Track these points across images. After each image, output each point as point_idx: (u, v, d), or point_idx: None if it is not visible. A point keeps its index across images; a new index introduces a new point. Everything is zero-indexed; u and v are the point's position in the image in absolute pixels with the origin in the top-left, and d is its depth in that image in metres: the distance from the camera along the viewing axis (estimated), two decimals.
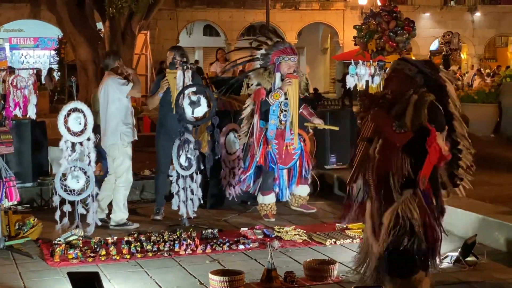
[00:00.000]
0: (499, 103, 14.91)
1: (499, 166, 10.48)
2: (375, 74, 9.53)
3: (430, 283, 5.19)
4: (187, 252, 6.61)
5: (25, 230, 6.97)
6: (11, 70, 7.37)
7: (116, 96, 7.64)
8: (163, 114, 8.11)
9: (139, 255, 6.50)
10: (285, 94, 7.92)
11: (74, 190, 7.05)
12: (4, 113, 7.15)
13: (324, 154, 9.84)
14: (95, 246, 6.68)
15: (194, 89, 7.54)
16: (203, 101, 7.51)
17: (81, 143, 7.08)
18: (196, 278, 5.88)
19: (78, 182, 7.05)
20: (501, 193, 8.54)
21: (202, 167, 7.72)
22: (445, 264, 6.13)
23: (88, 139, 7.10)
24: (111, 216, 7.75)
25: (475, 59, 37.53)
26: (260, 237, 7.14)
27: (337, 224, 7.63)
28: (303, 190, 8.29)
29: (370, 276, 5.27)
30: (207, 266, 6.13)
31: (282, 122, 7.96)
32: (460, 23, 36.37)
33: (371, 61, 10.02)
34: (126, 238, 6.92)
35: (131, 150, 7.83)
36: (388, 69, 5.49)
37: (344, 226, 7.45)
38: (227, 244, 6.80)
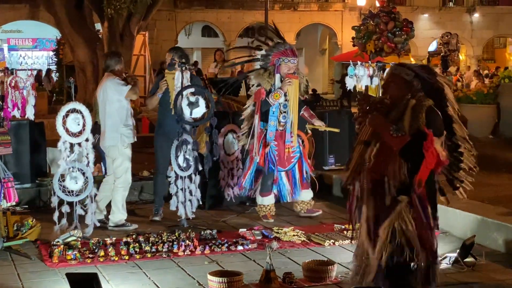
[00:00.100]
0: (497, 104, 14.93)
1: (498, 167, 10.49)
2: (374, 75, 9.54)
3: None
4: (185, 253, 6.61)
5: (24, 231, 6.97)
6: (10, 71, 7.37)
7: (115, 97, 7.64)
8: (161, 114, 8.12)
9: (137, 256, 6.49)
10: (285, 94, 7.92)
11: (72, 191, 7.05)
12: (2, 114, 7.15)
13: (322, 155, 9.84)
14: (94, 247, 6.67)
15: (192, 90, 7.54)
16: (202, 102, 7.52)
17: (79, 144, 7.07)
18: (194, 279, 5.88)
19: (77, 183, 7.05)
20: (499, 193, 8.54)
21: (201, 168, 7.72)
22: (444, 265, 6.13)
23: (87, 140, 7.09)
24: (109, 217, 7.75)
25: (473, 60, 37.56)
26: (259, 238, 7.13)
27: (335, 225, 7.64)
28: (306, 195, 8.26)
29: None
30: (205, 267, 6.13)
31: (281, 123, 7.96)
32: (459, 24, 36.42)
33: (369, 62, 10.02)
34: (124, 239, 6.92)
35: (131, 151, 7.83)
36: (385, 75, 5.49)
37: (343, 227, 7.46)
38: (226, 245, 6.80)
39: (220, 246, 6.78)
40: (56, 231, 6.99)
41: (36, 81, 24.70)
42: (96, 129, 7.90)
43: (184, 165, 7.60)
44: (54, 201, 7.02)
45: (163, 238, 6.95)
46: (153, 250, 6.64)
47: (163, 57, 9.45)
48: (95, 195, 7.33)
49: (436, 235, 5.17)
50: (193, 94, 7.52)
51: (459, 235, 7.02)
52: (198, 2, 33.52)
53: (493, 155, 11.53)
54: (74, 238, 6.84)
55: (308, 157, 8.32)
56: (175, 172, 7.64)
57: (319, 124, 8.39)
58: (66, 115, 7.03)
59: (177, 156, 7.59)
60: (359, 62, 9.89)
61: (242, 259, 6.52)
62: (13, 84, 7.44)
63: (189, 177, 7.65)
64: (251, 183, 8.12)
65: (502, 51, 41.14)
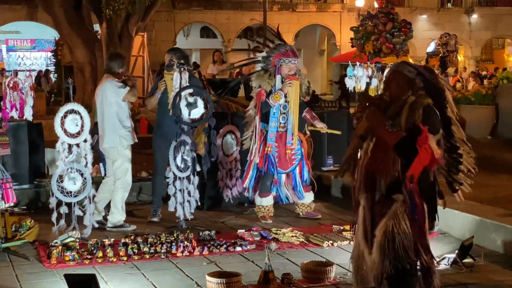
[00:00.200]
0: (496, 105, 14.93)
1: (496, 167, 10.49)
2: (373, 76, 9.54)
3: None
4: (184, 254, 6.60)
5: (22, 232, 6.96)
6: (15, 72, 7.38)
7: (114, 99, 7.63)
8: (160, 115, 8.12)
9: (136, 257, 6.48)
10: (286, 96, 7.91)
11: (71, 192, 7.04)
12: (0, 114, 7.14)
13: (321, 156, 9.84)
14: (92, 248, 6.66)
15: (191, 90, 7.54)
16: (200, 103, 7.52)
17: (77, 145, 7.07)
18: (193, 280, 5.88)
19: (75, 184, 7.04)
20: (498, 194, 8.55)
21: (199, 169, 7.72)
22: (442, 265, 6.13)
23: (85, 140, 7.09)
24: (108, 217, 7.74)
25: (471, 61, 37.58)
26: (257, 239, 7.13)
27: (334, 226, 7.64)
28: (307, 198, 8.26)
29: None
30: (204, 268, 6.13)
31: (282, 124, 7.96)
32: (457, 25, 36.44)
33: (368, 62, 10.02)
34: (123, 240, 6.91)
35: (131, 153, 7.82)
36: (387, 72, 5.46)
37: (342, 228, 7.46)
38: (224, 246, 6.80)
39: (218, 247, 6.78)
40: (54, 232, 6.98)
41: (36, 82, 24.78)
42: (95, 130, 7.90)
43: (183, 166, 7.59)
44: (53, 202, 7.01)
45: (162, 239, 6.95)
46: (152, 251, 6.63)
47: (161, 58, 9.47)
48: (94, 196, 7.33)
49: (435, 236, 5.15)
50: (191, 95, 7.52)
51: (458, 236, 7.02)
52: (197, 3, 33.52)
53: (491, 156, 11.53)
54: (72, 239, 6.83)
55: (307, 158, 8.32)
56: (173, 173, 7.64)
57: (321, 126, 8.39)
58: (65, 116, 7.03)
59: (175, 157, 7.59)
60: (358, 63, 9.89)
61: (241, 260, 6.51)
62: (11, 85, 7.44)
63: (188, 178, 7.64)
64: (253, 185, 8.11)
65: (500, 52, 41.18)
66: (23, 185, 8.85)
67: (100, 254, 6.47)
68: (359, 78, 9.62)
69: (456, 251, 6.27)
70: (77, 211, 7.09)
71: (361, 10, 31.49)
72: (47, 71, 28.57)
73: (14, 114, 7.71)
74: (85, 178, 7.08)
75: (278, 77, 7.92)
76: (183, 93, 7.48)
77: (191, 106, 7.48)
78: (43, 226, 7.22)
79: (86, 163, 7.10)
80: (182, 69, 7.61)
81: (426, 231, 4.99)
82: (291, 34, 34.33)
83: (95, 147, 7.71)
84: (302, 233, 7.30)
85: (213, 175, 8.60)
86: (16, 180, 8.24)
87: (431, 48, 36.69)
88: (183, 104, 7.47)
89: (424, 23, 36.32)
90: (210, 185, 8.70)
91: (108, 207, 7.82)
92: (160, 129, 8.08)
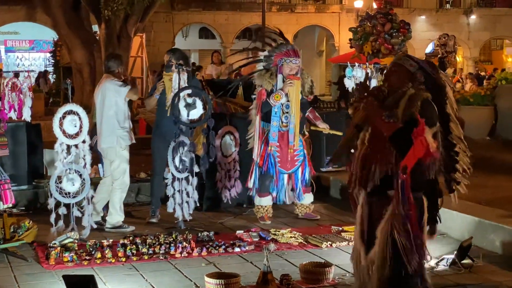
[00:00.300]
0: (494, 105, 14.93)
1: (495, 168, 10.49)
2: (372, 77, 9.54)
3: None
4: (182, 255, 6.60)
5: (20, 233, 6.95)
6: (16, 73, 7.37)
7: (113, 99, 7.63)
8: (159, 115, 8.13)
9: (134, 258, 6.48)
10: (287, 95, 7.91)
11: (69, 193, 7.04)
12: None
13: (320, 156, 9.83)
14: (91, 249, 6.66)
15: (189, 91, 7.54)
16: (199, 104, 7.52)
17: (76, 146, 7.06)
18: (192, 281, 5.87)
19: (74, 185, 7.04)
20: (496, 195, 8.55)
21: (197, 170, 7.71)
22: (441, 266, 6.13)
23: (84, 141, 7.08)
24: (107, 218, 7.74)
25: (470, 61, 37.59)
26: (256, 239, 7.13)
27: (333, 227, 7.63)
28: (307, 199, 8.26)
29: None
30: (203, 269, 6.12)
31: (284, 124, 7.95)
32: (456, 25, 36.44)
33: (367, 63, 10.02)
34: (121, 241, 6.90)
35: (128, 153, 7.82)
36: (389, 64, 5.41)
37: (340, 229, 7.46)
38: (223, 246, 6.79)
39: (217, 248, 6.77)
40: (53, 233, 6.98)
41: (36, 83, 24.78)
42: (94, 131, 7.90)
43: (181, 166, 7.59)
44: (51, 203, 7.01)
45: (160, 240, 6.94)
46: (150, 252, 6.62)
47: (160, 59, 9.48)
48: (92, 197, 7.32)
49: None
50: (190, 95, 7.52)
51: (457, 237, 7.02)
52: (196, 3, 33.51)
53: (490, 157, 11.53)
54: (71, 240, 6.83)
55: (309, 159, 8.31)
56: (172, 173, 7.63)
57: (323, 127, 8.38)
58: (63, 117, 7.03)
59: (174, 158, 7.58)
60: (356, 64, 9.89)
61: (239, 261, 6.51)
62: (10, 86, 7.44)
63: (186, 178, 7.64)
64: (257, 185, 8.11)
65: (499, 52, 41.19)
66: (21, 186, 8.84)
67: (99, 255, 6.46)
68: (358, 78, 9.62)
69: (455, 252, 6.27)
70: (76, 212, 7.08)
71: (359, 11, 31.47)
72: (46, 72, 28.57)
73: (13, 115, 7.72)
74: (83, 179, 7.07)
75: (280, 76, 7.93)
76: (181, 94, 7.48)
77: (190, 106, 7.48)
78: (41, 227, 7.21)
79: (85, 164, 7.10)
80: (180, 69, 7.60)
81: (420, 229, 4.92)
82: (289, 35, 34.26)
83: (94, 148, 7.71)
84: (300, 234, 7.29)
85: (212, 176, 8.60)
86: (15, 181, 8.24)
87: (429, 49, 36.68)
88: (182, 104, 7.47)
89: (422, 23, 36.33)
90: (209, 186, 8.70)
91: (106, 207, 7.82)
92: (159, 129, 8.08)
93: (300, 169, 8.08)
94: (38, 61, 33.82)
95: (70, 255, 6.39)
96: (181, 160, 7.55)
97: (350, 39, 17.67)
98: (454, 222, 7.14)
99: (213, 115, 7.80)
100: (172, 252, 6.65)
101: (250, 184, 8.11)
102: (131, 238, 7.03)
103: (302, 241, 7.08)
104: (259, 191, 8.07)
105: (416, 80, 4.99)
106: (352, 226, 7.04)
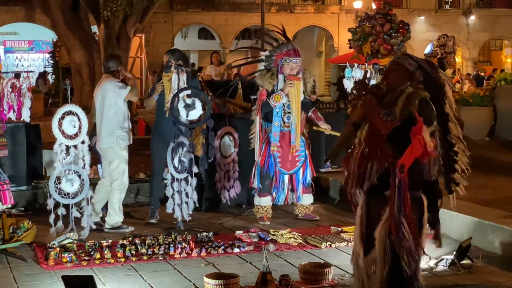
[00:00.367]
0: (493, 106, 14.92)
1: (494, 169, 10.49)
2: (371, 77, 9.54)
3: None
4: (182, 256, 6.60)
5: (19, 233, 6.94)
6: (17, 73, 7.38)
7: (113, 100, 7.62)
8: (158, 116, 8.13)
9: (133, 259, 6.48)
10: (288, 96, 7.90)
11: (68, 194, 7.03)
12: None
13: (319, 157, 9.82)
14: (90, 250, 6.66)
15: (189, 92, 7.54)
16: (198, 104, 7.51)
17: (75, 146, 7.06)
18: (191, 281, 5.87)
19: (73, 185, 7.03)
20: (496, 196, 8.55)
21: (196, 170, 7.71)
22: (440, 267, 6.13)
23: (83, 142, 7.08)
24: (106, 219, 7.73)
25: (469, 62, 37.61)
26: (255, 240, 7.12)
27: (332, 227, 7.63)
28: (306, 199, 8.25)
29: None
30: (202, 270, 6.12)
31: (287, 124, 7.95)
32: (455, 26, 36.46)
33: (366, 64, 10.02)
34: (120, 242, 6.90)
35: (127, 154, 7.81)
36: (388, 62, 5.38)
37: (339, 229, 7.46)
38: (222, 247, 6.79)
39: (216, 248, 6.77)
40: (52, 234, 6.98)
41: (37, 84, 24.75)
42: (94, 131, 7.90)
43: (180, 167, 7.58)
44: (50, 204, 7.01)
45: (160, 241, 6.94)
46: (149, 252, 6.62)
47: (159, 60, 9.47)
48: (91, 197, 7.32)
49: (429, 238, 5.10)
50: (189, 96, 7.52)
51: (456, 237, 7.02)
52: (195, 4, 33.51)
53: (489, 157, 11.53)
54: (70, 240, 6.83)
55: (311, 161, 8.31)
56: (171, 174, 7.63)
57: (324, 127, 8.38)
58: (62, 117, 7.02)
59: (173, 158, 7.58)
60: (356, 64, 9.89)
61: (239, 261, 6.51)
62: (10, 87, 7.44)
63: (186, 179, 7.63)
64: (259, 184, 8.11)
65: (498, 53, 41.21)
66: (20, 187, 8.84)
67: (98, 255, 6.46)
68: (357, 79, 9.62)
69: (454, 253, 6.27)
70: (75, 213, 7.08)
71: (359, 12, 31.48)
72: (45, 72, 28.55)
73: (12, 115, 7.72)
74: (82, 180, 7.07)
75: (281, 76, 7.93)
76: (181, 95, 7.48)
77: (189, 107, 7.47)
78: (40, 227, 7.20)
79: (84, 164, 7.10)
80: (180, 70, 7.60)
81: (419, 229, 4.90)
82: (289, 36, 34.21)
83: (93, 149, 7.71)
84: (300, 234, 7.29)
85: (211, 177, 8.60)
86: (14, 181, 8.24)
87: (429, 49, 36.68)
88: (181, 105, 7.46)
89: (422, 24, 36.34)
90: (208, 186, 8.70)
91: (105, 208, 7.81)
92: (158, 130, 8.08)
93: (301, 170, 8.08)
94: (37, 61, 33.80)
95: (69, 255, 6.39)
96: (180, 161, 7.55)
97: (349, 40, 17.67)
98: (454, 222, 7.14)
99: (212, 116, 7.80)
100: (171, 252, 6.64)
101: (254, 184, 8.10)
102: (130, 238, 7.03)
103: (301, 241, 7.08)
104: (258, 191, 8.07)
105: (415, 79, 4.97)
106: (351, 227, 7.05)
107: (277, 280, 5.65)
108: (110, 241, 6.93)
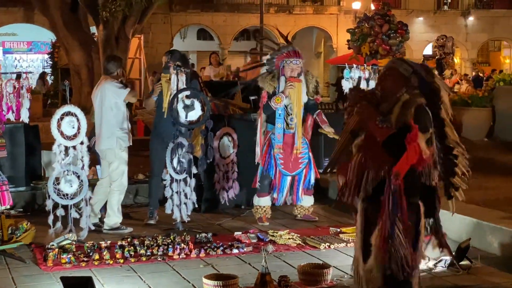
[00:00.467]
0: (492, 107, 14.94)
1: (493, 170, 10.51)
2: (370, 78, 9.53)
3: None
4: (181, 257, 6.59)
5: (18, 234, 6.94)
6: (18, 74, 7.38)
7: (113, 100, 7.62)
8: (158, 117, 8.13)
9: (132, 260, 6.47)
10: (289, 97, 7.90)
11: (67, 194, 7.03)
12: None
13: (318, 158, 9.81)
14: (89, 251, 6.65)
15: (188, 92, 7.54)
16: (197, 105, 7.51)
17: (74, 147, 7.06)
18: (190, 282, 5.87)
19: (71, 186, 7.03)
20: (495, 197, 8.56)
21: (196, 171, 7.71)
22: (439, 268, 6.13)
23: (82, 143, 7.08)
24: (105, 220, 7.73)
25: (468, 63, 37.61)
26: (254, 241, 7.13)
27: (331, 228, 7.63)
28: (307, 201, 8.25)
29: None
30: (201, 271, 6.12)
31: (290, 126, 7.95)
32: (454, 27, 36.44)
33: (365, 64, 10.01)
34: (119, 243, 6.90)
35: (127, 155, 7.81)
36: (383, 67, 5.36)
37: (338, 230, 7.46)
38: (221, 248, 6.79)
39: (215, 249, 6.77)
40: (50, 235, 6.98)
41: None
42: (93, 132, 7.89)
43: (179, 168, 7.59)
44: (49, 205, 7.00)
45: (158, 242, 6.94)
46: (148, 253, 6.62)
47: (158, 60, 9.46)
48: (90, 198, 7.32)
49: (426, 239, 5.08)
50: (188, 97, 7.52)
51: (455, 238, 7.01)
52: (194, 5, 33.49)
53: (488, 158, 11.55)
54: (68, 241, 6.82)
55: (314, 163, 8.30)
56: (170, 175, 7.63)
57: (328, 130, 8.37)
58: (61, 118, 7.02)
59: (172, 159, 7.58)
60: (354, 65, 9.89)
61: (238, 262, 6.51)
62: (8, 87, 7.42)
63: (184, 180, 7.63)
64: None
65: (496, 54, 41.22)
66: (19, 188, 8.84)
67: (97, 256, 6.46)
68: (356, 80, 9.62)
69: (453, 253, 6.26)
70: (74, 214, 7.08)
71: (357, 13, 31.49)
72: (44, 73, 28.54)
73: (11, 116, 7.68)
74: (81, 181, 7.07)
75: (282, 78, 7.94)
76: (180, 95, 7.48)
77: (188, 108, 7.48)
78: (39, 228, 7.19)
79: (83, 165, 7.10)
80: (179, 71, 7.60)
81: (415, 235, 4.89)
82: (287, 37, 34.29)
83: (92, 149, 7.70)
84: (299, 235, 7.29)
85: (210, 178, 8.60)
86: (13, 182, 8.23)
87: (427, 50, 36.69)
88: (180, 106, 7.46)
89: (420, 25, 36.33)
90: (207, 187, 8.70)
91: (104, 209, 7.81)
92: (157, 131, 8.08)
93: (304, 172, 8.07)
94: (36, 62, 33.76)
95: (68, 256, 6.39)
96: (179, 162, 7.55)
97: (348, 41, 17.68)
98: (452, 223, 7.12)
99: (211, 117, 7.80)
100: (170, 253, 6.64)
101: (257, 185, 8.11)
102: (129, 239, 7.03)
103: (300, 242, 7.08)
104: (258, 191, 8.08)
105: (410, 84, 4.95)
106: (350, 228, 7.05)
107: (276, 281, 5.65)
108: (109, 242, 6.93)
